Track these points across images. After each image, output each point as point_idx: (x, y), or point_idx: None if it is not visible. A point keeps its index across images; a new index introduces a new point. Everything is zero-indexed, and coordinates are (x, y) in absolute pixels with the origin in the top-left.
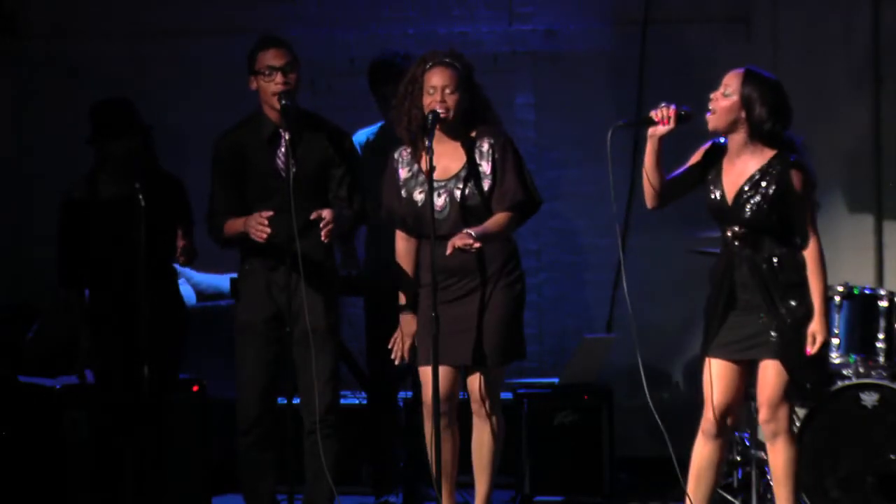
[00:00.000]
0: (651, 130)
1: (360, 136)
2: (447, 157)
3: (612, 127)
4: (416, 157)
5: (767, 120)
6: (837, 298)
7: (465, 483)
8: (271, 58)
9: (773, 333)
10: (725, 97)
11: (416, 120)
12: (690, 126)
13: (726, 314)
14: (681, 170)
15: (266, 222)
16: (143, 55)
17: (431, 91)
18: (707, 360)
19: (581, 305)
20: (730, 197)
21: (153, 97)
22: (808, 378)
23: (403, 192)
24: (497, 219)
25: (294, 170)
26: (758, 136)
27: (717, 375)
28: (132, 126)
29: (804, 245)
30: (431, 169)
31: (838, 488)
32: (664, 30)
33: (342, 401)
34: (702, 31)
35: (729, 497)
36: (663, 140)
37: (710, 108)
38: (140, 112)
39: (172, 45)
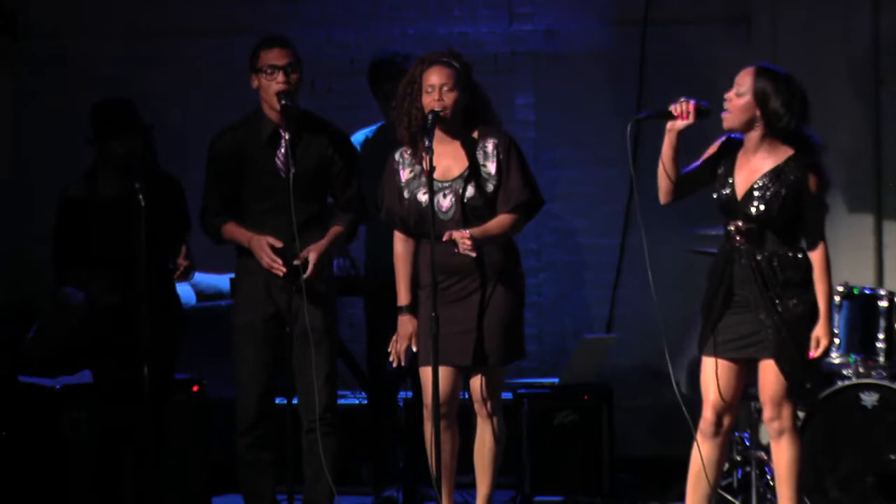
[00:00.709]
0: (670, 125)
1: (359, 136)
2: (449, 158)
3: (631, 119)
4: (417, 158)
5: (783, 115)
6: (837, 298)
7: (465, 483)
8: (274, 57)
9: (769, 332)
10: (739, 96)
11: (416, 120)
12: (704, 122)
13: (723, 312)
14: (694, 165)
15: (280, 261)
16: (143, 55)
17: (430, 90)
18: (704, 359)
19: (581, 305)
20: (740, 192)
21: (153, 97)
22: (803, 379)
23: (406, 193)
24: (501, 220)
25: (293, 170)
26: (774, 132)
27: (714, 374)
28: (133, 125)
29: (813, 247)
30: (431, 169)
31: (838, 488)
32: (664, 30)
33: (342, 401)
34: (702, 31)
35: (729, 497)
36: (681, 135)
37: (725, 107)
38: (141, 112)
39: (172, 45)
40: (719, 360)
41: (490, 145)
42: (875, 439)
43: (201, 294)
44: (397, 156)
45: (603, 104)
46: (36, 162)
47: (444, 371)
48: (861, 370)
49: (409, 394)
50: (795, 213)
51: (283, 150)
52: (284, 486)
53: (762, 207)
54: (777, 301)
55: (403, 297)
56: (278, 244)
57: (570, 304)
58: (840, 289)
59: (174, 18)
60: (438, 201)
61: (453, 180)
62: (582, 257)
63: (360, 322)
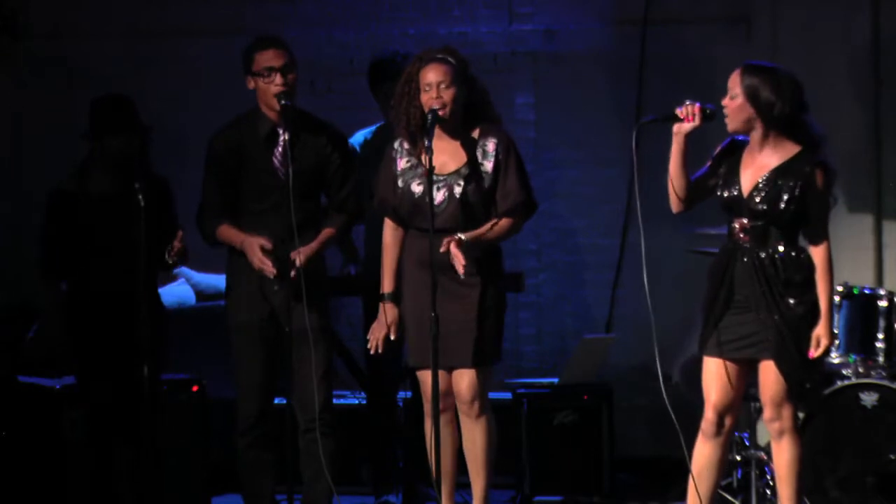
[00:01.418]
0: (676, 128)
1: (358, 136)
2: (447, 153)
3: (638, 123)
4: (414, 150)
5: (775, 102)
6: (837, 298)
7: (465, 483)
8: (270, 58)
9: (769, 332)
10: (732, 99)
11: (415, 119)
12: (706, 127)
13: (724, 312)
14: (702, 170)
15: (270, 263)
16: (143, 55)
17: (427, 88)
18: (706, 359)
19: (581, 305)
20: (746, 189)
21: (153, 97)
22: (803, 379)
23: (400, 182)
24: (499, 225)
25: (291, 169)
26: (773, 125)
27: (715, 375)
28: (132, 124)
29: (817, 243)
30: (431, 169)
31: (838, 488)
32: (664, 30)
33: (342, 401)
34: (702, 31)
35: (729, 497)
36: (689, 138)
37: (725, 113)
38: (140, 112)
39: (172, 45)
40: (720, 361)
41: (490, 144)
42: (875, 439)
43: (201, 294)
44: (396, 144)
45: (603, 104)
46: (36, 162)
47: (439, 370)
48: (861, 370)
49: (409, 394)
50: (801, 209)
51: (280, 149)
52: (284, 486)
53: (768, 204)
54: (778, 301)
55: (387, 285)
56: (269, 245)
57: (570, 304)
58: (840, 289)
59: (174, 18)
60: (433, 194)
61: (448, 175)
62: (582, 257)
63: (359, 321)
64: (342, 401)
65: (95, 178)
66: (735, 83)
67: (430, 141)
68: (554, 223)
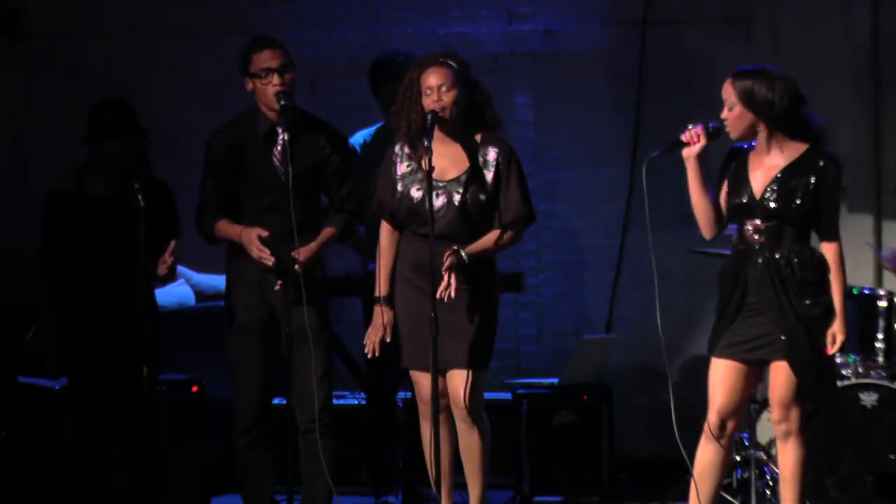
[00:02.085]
0: (685, 153)
1: (358, 137)
2: (448, 159)
3: (646, 160)
4: (415, 155)
5: (772, 99)
6: None
7: (464, 483)
8: (267, 59)
9: (783, 333)
10: (731, 109)
11: (416, 123)
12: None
13: (735, 315)
14: (719, 188)
15: (269, 252)
16: (143, 55)
17: (429, 92)
18: (713, 360)
19: (581, 305)
20: (758, 191)
21: (153, 97)
22: (815, 380)
23: (399, 186)
24: (496, 237)
25: (291, 169)
26: (776, 123)
27: (722, 377)
28: (131, 127)
29: (830, 239)
30: (431, 169)
31: (838, 488)
32: (664, 30)
33: (342, 401)
34: (702, 31)
35: (728, 497)
36: (701, 160)
37: (726, 125)
38: (139, 113)
39: (172, 45)
40: (728, 363)
41: (492, 154)
42: (874, 439)
43: (201, 294)
44: (397, 148)
45: (603, 104)
46: (36, 162)
47: (428, 374)
48: (860, 370)
49: (409, 394)
50: (814, 206)
51: (279, 149)
52: (284, 486)
53: (781, 203)
54: (794, 302)
55: (382, 288)
56: (265, 233)
57: (570, 304)
58: None
59: (174, 18)
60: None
61: (449, 182)
62: (581, 257)
63: (359, 322)
64: (342, 401)
65: (94, 180)
66: (729, 93)
67: (429, 141)
68: (554, 223)
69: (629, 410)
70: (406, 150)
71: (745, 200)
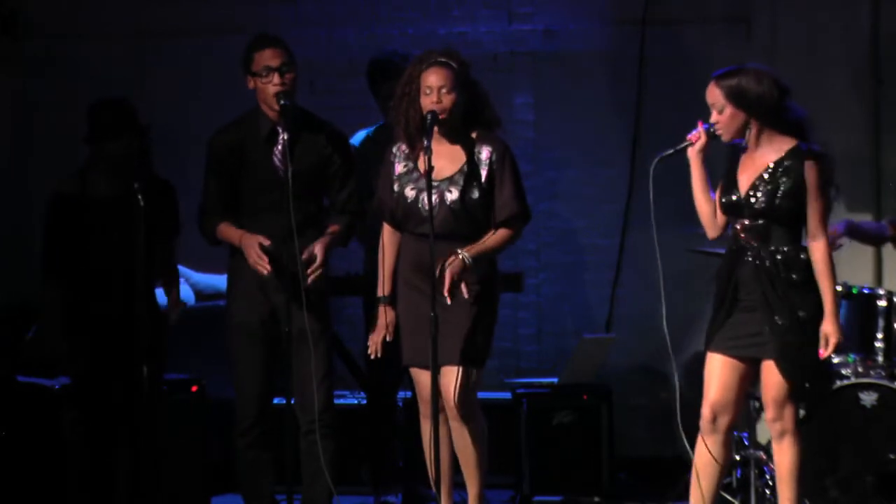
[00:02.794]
0: (690, 152)
1: (360, 135)
2: (444, 159)
3: (656, 158)
4: (413, 155)
5: (764, 93)
6: None
7: (464, 483)
8: (268, 58)
9: (773, 333)
10: (721, 112)
11: (414, 121)
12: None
13: (731, 310)
14: (717, 187)
15: (266, 260)
16: (143, 55)
17: (428, 91)
18: (708, 355)
19: (580, 305)
20: (744, 190)
21: (153, 97)
22: (806, 379)
23: (396, 186)
24: (497, 237)
25: (291, 169)
26: (768, 118)
27: (716, 371)
28: (131, 127)
29: (814, 239)
30: (430, 169)
31: (837, 488)
32: (663, 30)
33: (341, 401)
34: (701, 31)
35: (728, 497)
36: (705, 160)
37: (717, 130)
38: (139, 113)
39: (172, 45)
40: (723, 358)
41: (485, 152)
42: (874, 439)
43: (200, 294)
44: (394, 149)
45: (602, 104)
46: (36, 162)
47: (428, 372)
48: (860, 370)
49: (409, 394)
50: (798, 205)
51: (280, 148)
52: (284, 486)
53: (766, 201)
54: (782, 301)
55: (383, 288)
56: (266, 242)
57: (570, 304)
58: (839, 288)
59: (174, 18)
60: (424, 199)
61: (441, 181)
62: (581, 257)
63: (359, 322)
64: (342, 401)
65: (95, 181)
66: (716, 96)
67: (429, 141)
68: (554, 223)
69: (629, 410)
70: (403, 149)
71: (733, 199)
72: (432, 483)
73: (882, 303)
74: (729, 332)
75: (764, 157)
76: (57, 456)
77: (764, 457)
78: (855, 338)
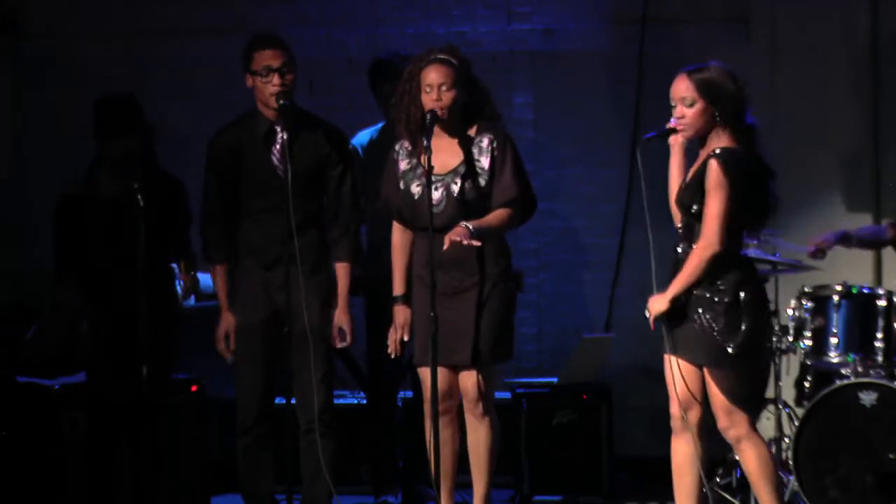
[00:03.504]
0: (672, 139)
1: (363, 136)
2: (445, 152)
3: (640, 140)
4: (415, 152)
5: (734, 90)
6: (836, 298)
7: (464, 483)
8: (268, 58)
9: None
10: (690, 106)
11: (415, 118)
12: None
13: (684, 312)
14: None
15: (229, 353)
16: (143, 55)
17: (428, 89)
18: (665, 357)
19: (580, 305)
20: (675, 191)
21: (153, 97)
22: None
23: (401, 184)
24: (497, 213)
25: (290, 168)
26: (732, 112)
27: (670, 373)
28: (136, 126)
29: (698, 243)
30: (430, 168)
31: (837, 488)
32: (663, 29)
33: (342, 401)
34: (701, 31)
35: (728, 497)
36: (686, 151)
37: (680, 126)
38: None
39: (172, 45)
40: (669, 357)
41: (485, 141)
42: (874, 439)
43: (200, 294)
44: (398, 146)
45: (602, 104)
46: (36, 162)
47: (441, 370)
48: (859, 369)
49: (409, 393)
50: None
51: (278, 148)
52: (284, 486)
53: (686, 201)
54: (699, 301)
55: (398, 288)
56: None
57: (570, 303)
58: (838, 288)
59: (174, 18)
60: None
61: (445, 174)
62: (581, 257)
63: (359, 322)
64: (342, 401)
65: (102, 180)
66: (687, 89)
67: (429, 141)
68: (554, 223)
69: (629, 410)
70: (406, 147)
71: (673, 197)
72: (433, 483)
73: (882, 302)
74: (677, 335)
75: (702, 155)
76: (57, 456)
77: None
78: (855, 337)
